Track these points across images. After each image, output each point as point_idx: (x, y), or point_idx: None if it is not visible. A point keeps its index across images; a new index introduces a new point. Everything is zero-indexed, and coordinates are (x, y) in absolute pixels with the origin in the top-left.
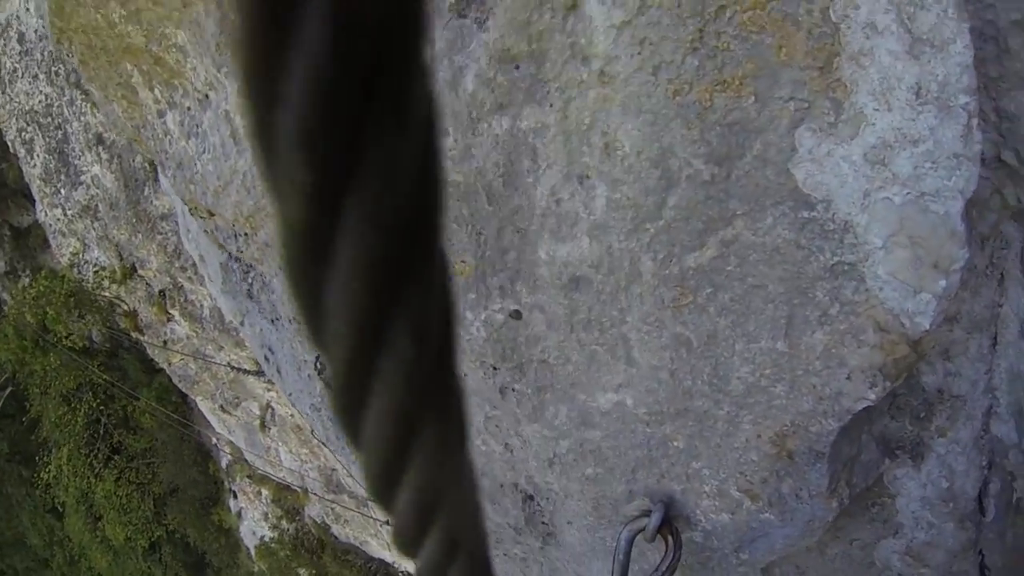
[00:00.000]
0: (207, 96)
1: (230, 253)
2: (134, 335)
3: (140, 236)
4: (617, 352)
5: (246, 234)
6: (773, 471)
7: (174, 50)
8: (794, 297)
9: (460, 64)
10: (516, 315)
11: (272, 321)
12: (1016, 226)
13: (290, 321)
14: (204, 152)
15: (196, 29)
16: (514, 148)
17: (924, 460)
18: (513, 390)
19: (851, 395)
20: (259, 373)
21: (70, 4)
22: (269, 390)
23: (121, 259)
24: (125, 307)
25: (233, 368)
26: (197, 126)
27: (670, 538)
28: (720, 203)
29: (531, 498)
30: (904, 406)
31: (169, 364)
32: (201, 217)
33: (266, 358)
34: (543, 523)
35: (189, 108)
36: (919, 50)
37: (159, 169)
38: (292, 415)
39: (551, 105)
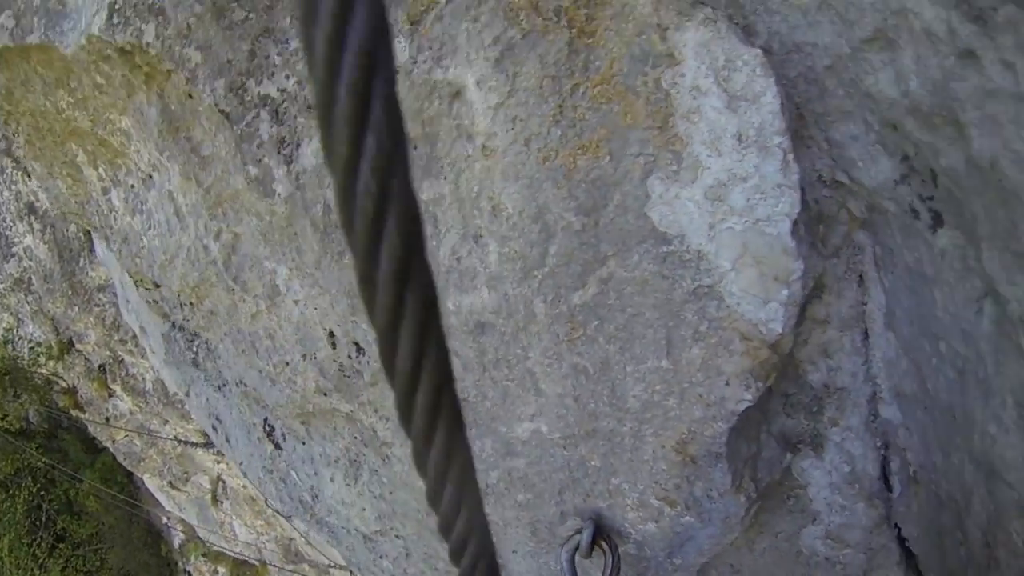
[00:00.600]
0: (151, 176)
1: (174, 323)
2: (74, 413)
3: (76, 309)
4: (526, 385)
5: (191, 303)
6: (683, 477)
7: (119, 134)
8: (668, 320)
9: None
10: None
11: (219, 388)
12: (865, 234)
13: (237, 385)
14: (150, 228)
15: (139, 116)
16: None
17: (824, 449)
18: None
19: (732, 398)
20: (207, 445)
21: (19, 90)
22: (219, 462)
23: (57, 334)
24: (63, 384)
25: (180, 441)
26: (142, 203)
27: (605, 545)
28: (593, 248)
29: None
30: (796, 404)
31: (113, 442)
32: (147, 288)
33: (214, 427)
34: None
35: (133, 186)
36: (736, 104)
37: (103, 243)
38: (244, 486)
39: (445, 178)
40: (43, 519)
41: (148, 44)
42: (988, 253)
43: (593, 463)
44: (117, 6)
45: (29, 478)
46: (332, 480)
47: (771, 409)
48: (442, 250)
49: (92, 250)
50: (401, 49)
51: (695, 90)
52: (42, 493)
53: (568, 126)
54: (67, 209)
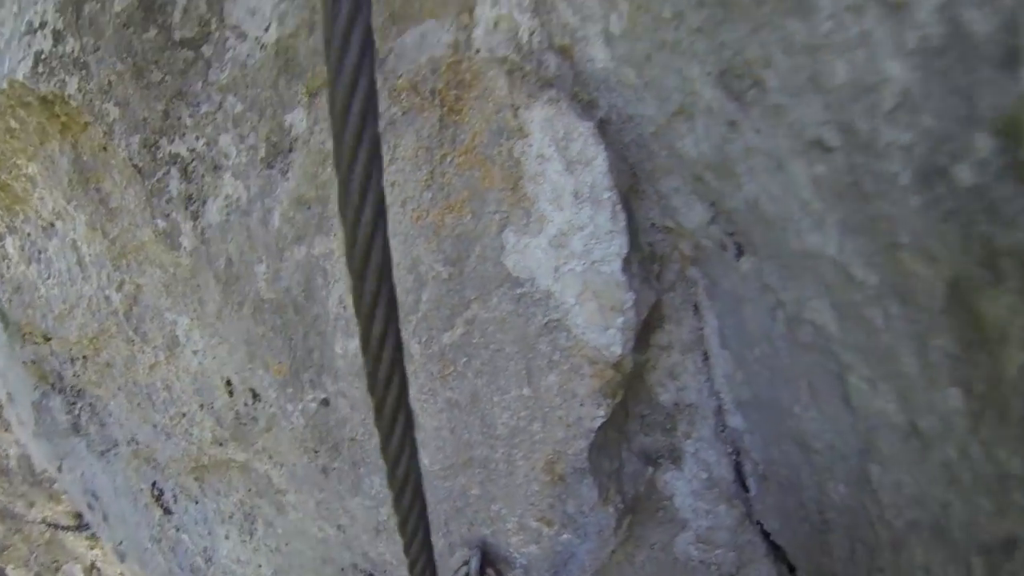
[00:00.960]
0: (53, 224)
1: (53, 384)
2: None
3: None
4: None
5: (86, 356)
6: (555, 496)
7: (24, 179)
8: (526, 352)
9: (269, 206)
10: (325, 403)
11: (102, 454)
12: (696, 269)
13: (128, 444)
14: (48, 277)
15: (50, 164)
16: (310, 270)
17: (683, 461)
18: (333, 468)
19: (588, 417)
20: (80, 528)
21: None
22: (93, 547)
23: None
24: None
25: (49, 525)
26: (40, 252)
27: (492, 572)
28: (459, 293)
29: (371, 575)
30: (652, 423)
31: None
32: (35, 342)
33: (90, 505)
34: None
35: (31, 234)
36: (573, 167)
37: None
38: (122, 573)
39: (335, 234)
40: None
41: (70, 96)
42: (768, 270)
43: (473, 491)
44: (43, 56)
45: None
46: (227, 537)
47: (629, 429)
48: (331, 299)
49: None
50: (299, 119)
51: (540, 157)
52: None
53: (438, 189)
54: None
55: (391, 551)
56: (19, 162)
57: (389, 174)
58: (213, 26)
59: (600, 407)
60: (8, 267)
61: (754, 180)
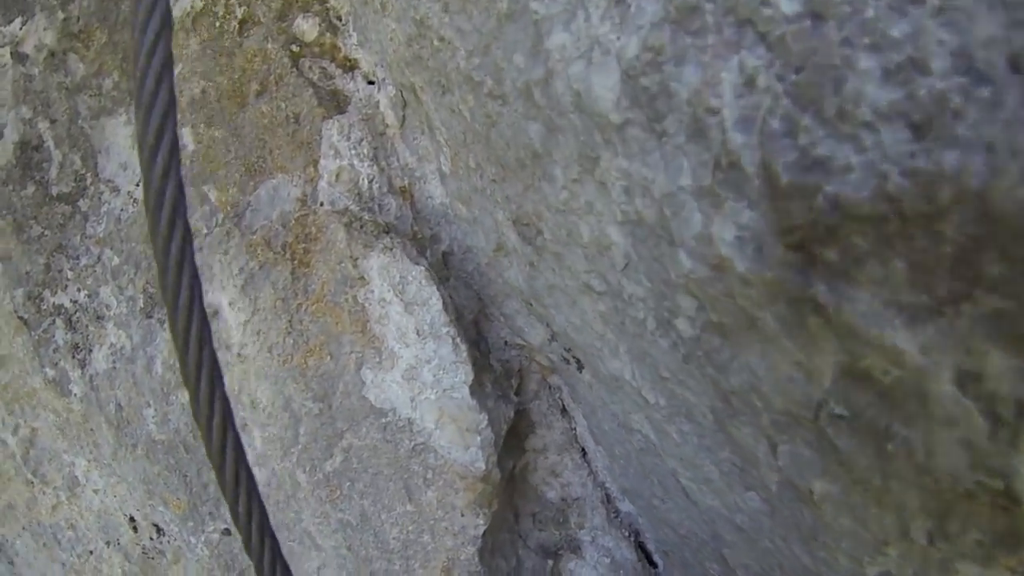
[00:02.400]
0: None
1: None
2: None
3: None
4: (306, 543)
5: None
6: None
7: None
8: (402, 473)
9: (151, 354)
10: (227, 532)
11: None
12: (557, 376)
13: None
14: None
15: None
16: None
17: (582, 549)
18: None
19: (470, 525)
20: None
21: None
22: None
23: None
24: None
25: None
26: None
27: None
28: (331, 425)
29: None
30: (544, 519)
31: None
32: None
33: None
34: None
35: None
36: (412, 308)
37: None
38: None
39: None
40: None
41: None
42: (597, 385)
43: None
44: None
45: None
46: None
47: (522, 529)
48: None
49: None
50: None
51: (382, 301)
52: None
53: (298, 335)
54: None
55: None
56: None
57: (254, 323)
58: (88, 180)
59: (479, 516)
60: None
61: (560, 312)
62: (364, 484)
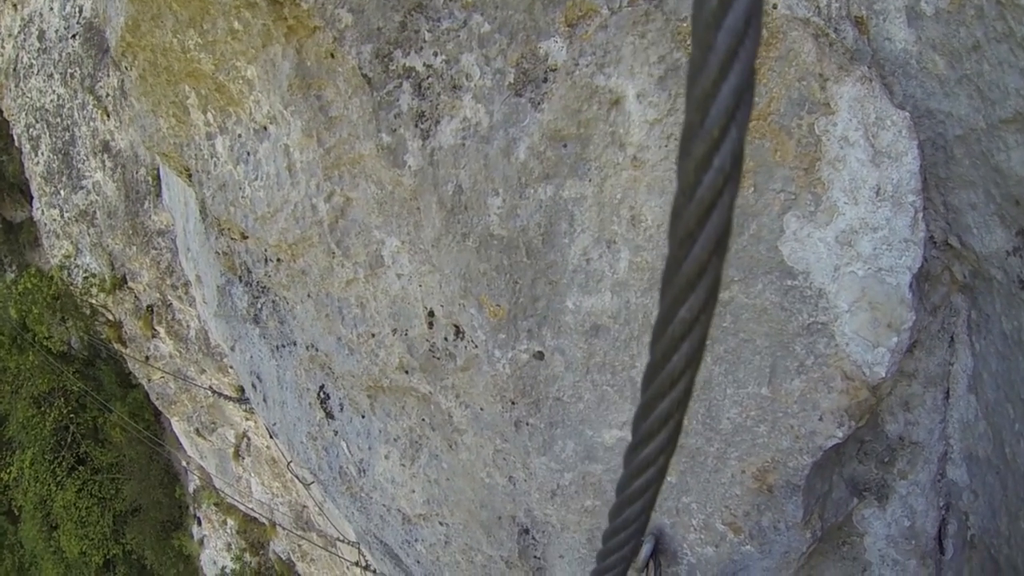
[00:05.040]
0: (266, 128)
1: (240, 276)
2: (115, 346)
3: (135, 248)
4: (625, 393)
5: (279, 259)
6: (755, 505)
7: (241, 81)
8: (777, 350)
9: (514, 136)
10: (539, 356)
11: (276, 348)
12: (963, 297)
13: (307, 348)
14: (256, 179)
15: (270, 68)
16: (555, 212)
17: (888, 500)
18: (528, 424)
19: (823, 434)
20: (240, 400)
21: (147, 24)
22: (248, 419)
23: (112, 268)
24: (110, 317)
25: (214, 392)
26: (249, 154)
27: (652, 563)
28: None
29: (527, 531)
30: (870, 451)
31: (149, 380)
32: (231, 238)
33: (253, 386)
34: (535, 557)
35: (240, 136)
36: (880, 160)
37: (198, 186)
38: (268, 447)
39: (590, 180)
40: (68, 440)
41: None
42: None
43: (669, 479)
44: None
45: (61, 399)
46: (387, 457)
47: (846, 453)
48: (572, 249)
49: (159, 195)
50: (558, 49)
51: (844, 140)
52: (71, 415)
53: None
54: (160, 148)
55: (559, 516)
56: (238, 64)
57: (666, 125)
58: None
59: (840, 427)
60: (215, 165)
61: None
62: (725, 348)
